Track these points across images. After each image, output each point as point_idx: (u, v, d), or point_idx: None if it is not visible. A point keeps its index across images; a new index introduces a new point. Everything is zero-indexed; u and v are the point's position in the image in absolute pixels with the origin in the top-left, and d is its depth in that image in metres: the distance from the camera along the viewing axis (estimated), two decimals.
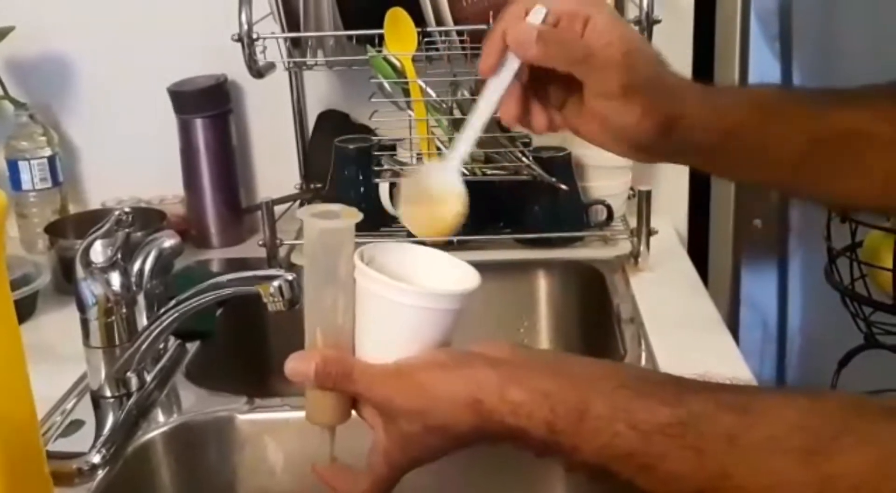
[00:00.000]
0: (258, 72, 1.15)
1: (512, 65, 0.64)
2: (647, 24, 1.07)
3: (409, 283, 0.60)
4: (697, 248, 1.44)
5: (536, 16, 0.63)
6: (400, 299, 0.58)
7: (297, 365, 0.60)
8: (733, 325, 1.50)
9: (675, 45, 1.30)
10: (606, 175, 1.25)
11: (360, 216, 0.60)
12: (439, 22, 1.10)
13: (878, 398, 0.52)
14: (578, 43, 0.62)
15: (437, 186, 0.65)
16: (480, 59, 0.63)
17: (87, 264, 0.87)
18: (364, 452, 0.61)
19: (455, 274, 0.62)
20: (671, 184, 1.34)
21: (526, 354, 0.59)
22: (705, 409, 0.51)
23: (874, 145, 0.66)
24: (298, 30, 1.14)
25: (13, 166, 1.29)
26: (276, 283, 0.80)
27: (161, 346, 0.98)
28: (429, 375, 0.56)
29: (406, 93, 1.10)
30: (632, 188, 1.27)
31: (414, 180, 0.67)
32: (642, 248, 1.17)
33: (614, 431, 0.51)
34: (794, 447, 0.48)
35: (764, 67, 1.44)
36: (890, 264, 1.13)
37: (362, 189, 1.21)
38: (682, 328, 1.04)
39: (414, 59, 1.09)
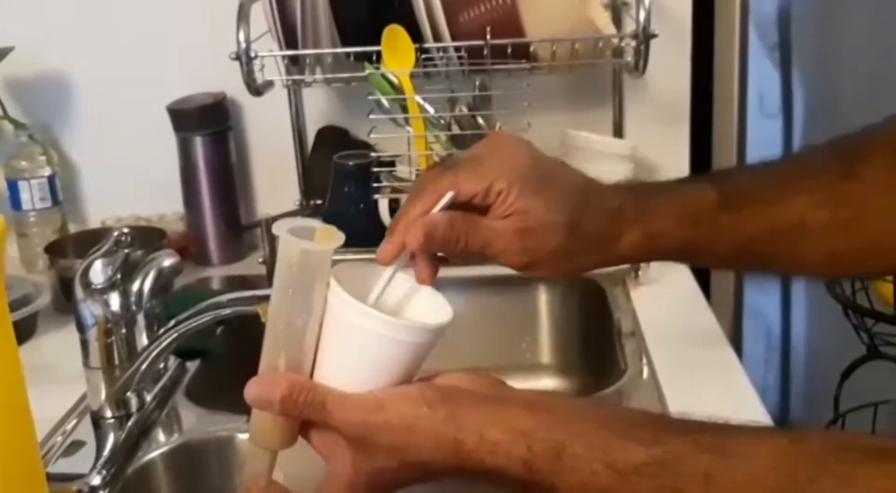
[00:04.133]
0: (256, 90, 1.16)
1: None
2: (644, 38, 1.07)
3: (381, 310, 0.57)
4: None
5: (444, 201, 0.62)
6: (379, 330, 0.56)
7: (260, 391, 0.57)
8: (737, 336, 1.50)
9: (673, 59, 1.31)
10: None
11: (341, 238, 0.58)
12: (436, 38, 1.11)
13: (863, 436, 0.51)
14: (475, 235, 0.63)
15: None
16: (382, 249, 0.61)
17: (87, 285, 0.87)
18: (306, 476, 0.59)
19: (425, 302, 0.61)
20: None
21: (502, 389, 0.58)
22: (683, 450, 0.50)
23: (810, 234, 0.68)
24: (296, 47, 1.14)
25: (13, 186, 1.29)
26: None
27: (161, 366, 0.98)
28: (414, 410, 0.55)
29: (404, 109, 1.10)
30: None
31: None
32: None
33: (591, 470, 0.51)
34: (770, 490, 0.48)
35: (763, 77, 1.44)
36: (890, 276, 1.13)
37: (362, 205, 1.21)
38: (683, 342, 1.04)
39: (412, 76, 1.09)
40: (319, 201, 1.28)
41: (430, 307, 0.61)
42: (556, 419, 0.54)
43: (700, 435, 0.51)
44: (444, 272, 1.08)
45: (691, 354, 1.01)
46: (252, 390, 0.57)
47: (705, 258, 0.73)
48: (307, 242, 0.57)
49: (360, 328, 0.56)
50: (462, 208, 0.63)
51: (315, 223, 0.59)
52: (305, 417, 0.57)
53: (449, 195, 0.62)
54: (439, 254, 0.63)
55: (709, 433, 0.52)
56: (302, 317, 0.57)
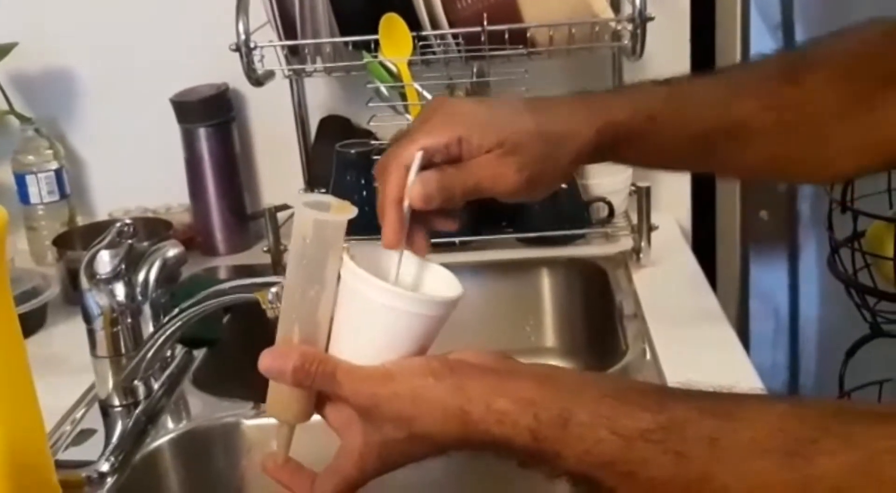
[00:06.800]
0: (257, 80, 1.17)
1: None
2: (641, 21, 1.07)
3: (393, 285, 0.59)
4: (705, 241, 1.44)
5: (417, 163, 0.62)
6: (390, 303, 0.57)
7: (273, 361, 0.57)
8: (744, 317, 1.50)
9: (672, 41, 1.31)
10: (607, 172, 1.26)
11: (354, 211, 0.59)
12: (434, 25, 1.11)
13: (861, 403, 0.52)
14: (465, 173, 0.64)
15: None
16: (385, 233, 0.62)
17: (92, 275, 0.88)
18: (320, 454, 0.60)
19: (436, 280, 0.62)
20: (673, 179, 1.34)
21: (510, 362, 0.58)
22: (687, 414, 0.51)
23: (755, 135, 0.70)
24: (295, 37, 1.15)
25: (21, 180, 1.30)
26: (273, 289, 0.81)
27: (168, 354, 0.99)
28: (421, 381, 0.55)
29: (403, 97, 1.11)
30: (633, 184, 1.27)
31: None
32: (643, 244, 1.18)
33: (597, 437, 0.51)
34: (775, 449, 0.48)
35: None
36: (892, 254, 1.13)
37: (364, 193, 1.22)
38: (684, 323, 1.05)
39: (410, 63, 1.10)
40: (323, 190, 1.29)
41: (441, 283, 0.62)
42: (563, 388, 0.54)
43: (704, 402, 0.52)
44: (448, 257, 1.09)
45: (692, 335, 1.02)
46: (265, 360, 0.58)
47: (659, 156, 0.73)
48: (321, 213, 0.58)
49: (374, 302, 0.57)
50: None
51: (331, 199, 0.60)
52: (317, 387, 0.58)
53: (418, 155, 0.62)
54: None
55: (713, 399, 0.53)
56: (314, 288, 0.58)
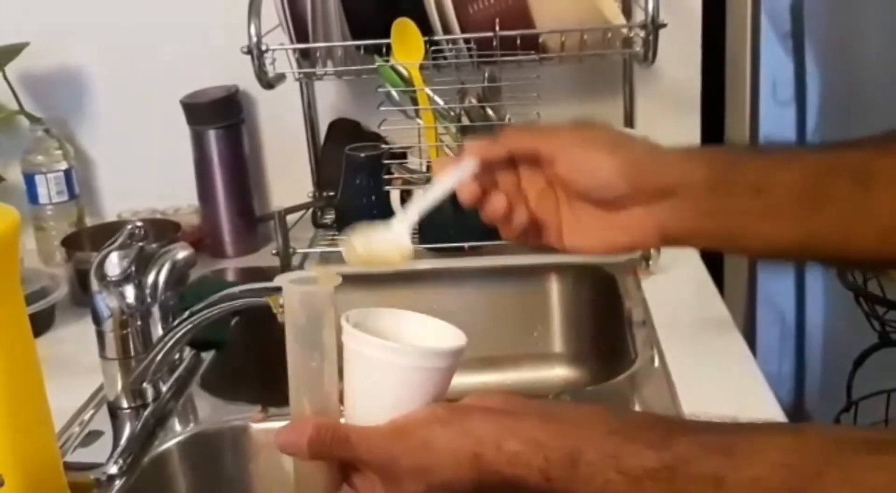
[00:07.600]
0: (268, 83, 1.17)
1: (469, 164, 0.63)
2: (653, 28, 1.07)
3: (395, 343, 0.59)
4: None
5: (466, 168, 0.63)
6: (393, 360, 0.58)
7: (289, 437, 0.59)
8: (751, 324, 1.50)
9: (683, 48, 1.31)
10: None
11: (338, 280, 0.60)
12: (446, 30, 1.11)
13: (858, 430, 0.52)
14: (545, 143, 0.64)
15: (385, 244, 0.64)
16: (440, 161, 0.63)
17: (102, 277, 0.88)
18: None
19: (440, 334, 0.62)
20: None
21: (518, 402, 0.59)
22: (691, 451, 0.52)
23: (881, 179, 0.59)
24: (307, 41, 1.15)
25: (30, 180, 1.30)
26: None
27: (176, 356, 0.99)
28: (430, 430, 0.56)
29: (414, 101, 1.11)
30: None
31: (361, 240, 0.64)
32: (652, 250, 1.17)
33: (605, 478, 0.53)
34: (778, 487, 0.49)
35: (776, 65, 1.44)
36: None
37: (373, 197, 1.22)
38: (694, 331, 1.04)
39: (421, 67, 1.10)
40: (332, 193, 1.29)
41: (443, 335, 0.62)
42: (569, 427, 0.55)
43: (706, 436, 0.53)
44: (457, 262, 1.07)
45: (701, 342, 1.01)
46: (281, 437, 0.59)
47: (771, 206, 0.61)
48: (306, 286, 0.60)
49: (378, 362, 0.58)
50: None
51: (314, 272, 0.62)
52: (336, 456, 0.58)
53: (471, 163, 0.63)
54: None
55: (715, 432, 0.54)
56: (315, 359, 0.60)
